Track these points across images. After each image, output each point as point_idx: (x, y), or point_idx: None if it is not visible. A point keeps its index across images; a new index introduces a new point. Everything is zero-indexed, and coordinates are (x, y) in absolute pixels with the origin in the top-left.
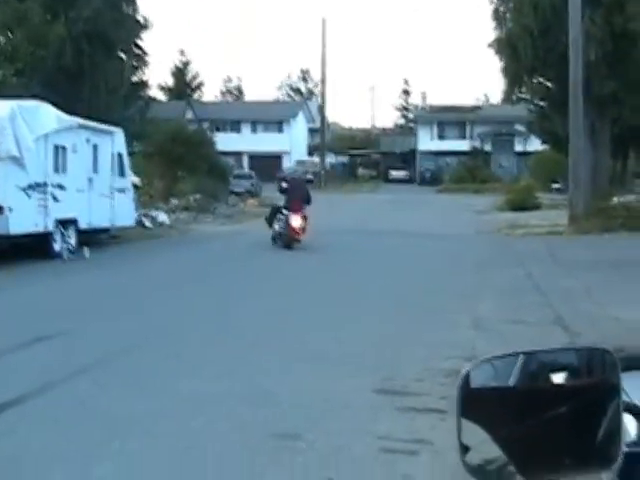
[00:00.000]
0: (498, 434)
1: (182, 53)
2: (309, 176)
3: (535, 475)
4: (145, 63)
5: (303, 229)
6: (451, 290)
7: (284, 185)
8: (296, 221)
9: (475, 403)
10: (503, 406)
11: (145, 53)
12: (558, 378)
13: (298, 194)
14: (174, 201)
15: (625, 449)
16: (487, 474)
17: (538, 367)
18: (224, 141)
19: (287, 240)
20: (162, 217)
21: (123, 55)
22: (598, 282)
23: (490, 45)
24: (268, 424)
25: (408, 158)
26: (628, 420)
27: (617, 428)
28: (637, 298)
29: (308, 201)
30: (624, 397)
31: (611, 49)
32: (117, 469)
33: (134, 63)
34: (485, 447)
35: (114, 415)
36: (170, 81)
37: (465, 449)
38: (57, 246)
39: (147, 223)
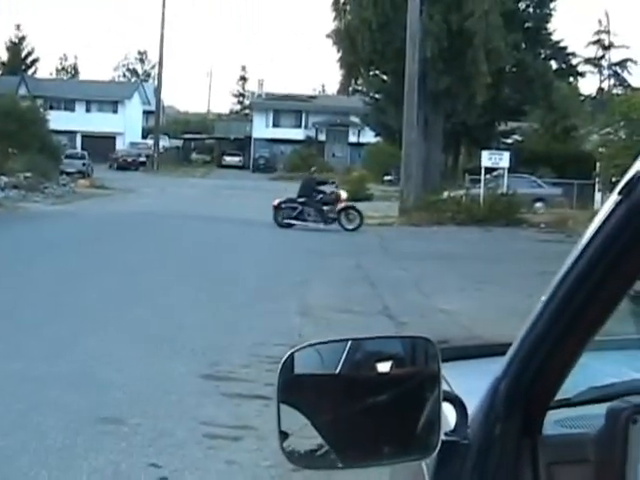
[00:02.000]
0: (319, 421)
1: (18, 28)
2: (142, 159)
3: (355, 462)
4: None
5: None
6: (281, 278)
7: None
8: (274, 201)
9: (296, 389)
10: (325, 393)
11: None
12: (383, 366)
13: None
14: (3, 178)
15: (444, 437)
16: (307, 461)
17: (363, 354)
18: (57, 119)
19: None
20: None
21: None
22: (426, 274)
23: (329, 36)
24: (92, 408)
25: (243, 144)
26: (448, 409)
27: (436, 417)
28: (463, 290)
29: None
30: (445, 387)
31: (447, 46)
32: None
33: None
34: (305, 434)
35: None
36: (4, 56)
37: (285, 436)
38: None
39: None
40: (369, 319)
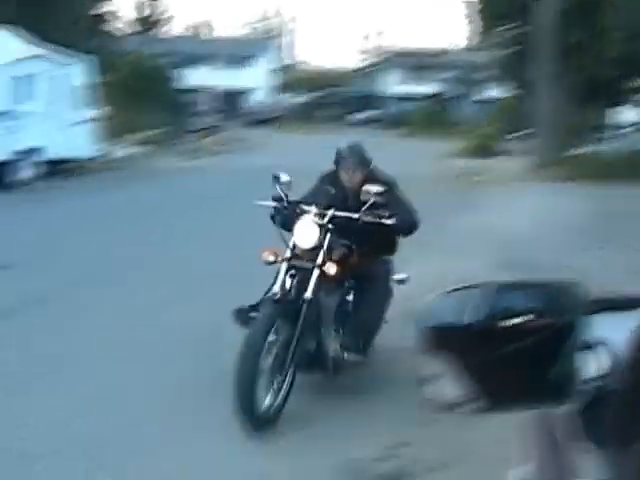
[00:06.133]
0: (456, 369)
1: None
2: (275, 114)
3: (494, 408)
4: None
5: None
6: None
7: None
8: None
9: (435, 339)
10: (462, 343)
11: None
12: (523, 311)
13: None
14: (133, 135)
15: (586, 385)
16: (444, 407)
17: (503, 300)
18: (188, 76)
19: None
20: (121, 151)
21: None
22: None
23: None
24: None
25: (372, 100)
26: (591, 357)
27: (573, 364)
28: (586, 250)
29: None
30: (592, 334)
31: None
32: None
33: None
34: (443, 382)
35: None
36: (136, 14)
37: (425, 383)
38: (12, 176)
39: (106, 156)
40: (488, 271)
